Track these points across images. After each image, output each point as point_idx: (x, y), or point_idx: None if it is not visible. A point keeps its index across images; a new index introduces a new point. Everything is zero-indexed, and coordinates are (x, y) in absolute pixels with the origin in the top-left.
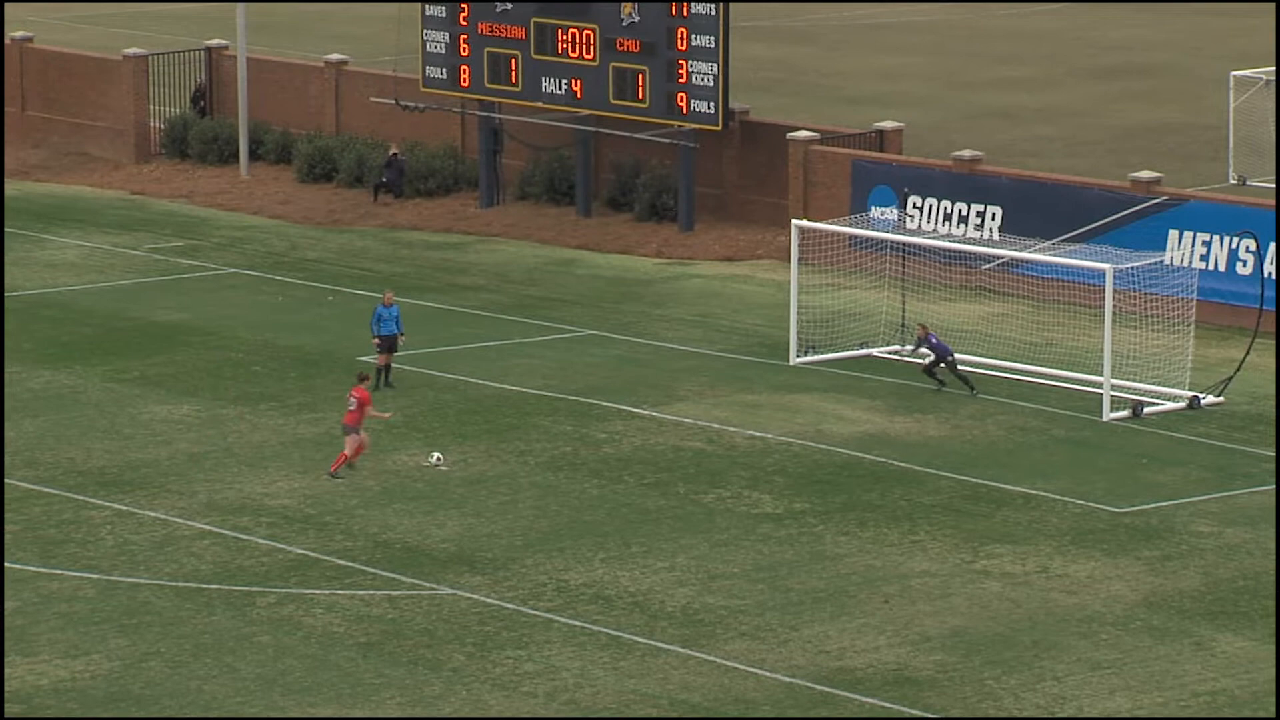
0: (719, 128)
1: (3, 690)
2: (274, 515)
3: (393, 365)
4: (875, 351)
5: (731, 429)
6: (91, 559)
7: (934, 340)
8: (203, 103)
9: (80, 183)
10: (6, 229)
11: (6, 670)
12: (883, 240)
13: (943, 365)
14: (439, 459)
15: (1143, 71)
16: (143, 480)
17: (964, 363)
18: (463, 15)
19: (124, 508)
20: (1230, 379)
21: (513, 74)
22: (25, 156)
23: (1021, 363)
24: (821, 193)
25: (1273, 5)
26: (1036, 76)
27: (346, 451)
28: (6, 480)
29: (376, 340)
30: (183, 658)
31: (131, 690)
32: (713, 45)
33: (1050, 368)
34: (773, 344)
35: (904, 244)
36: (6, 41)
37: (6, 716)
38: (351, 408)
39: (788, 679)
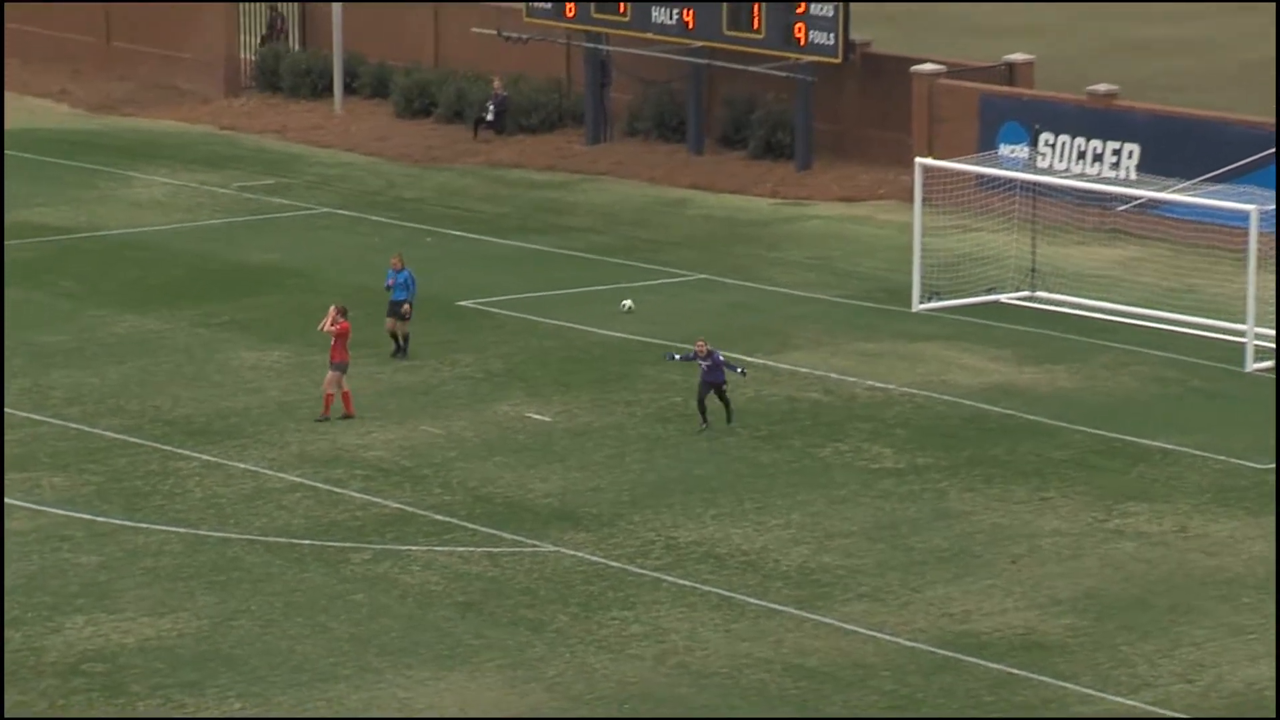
0: (839, 60)
1: (2, 691)
2: (369, 467)
3: (409, 335)
4: (1003, 298)
5: (850, 379)
6: (179, 512)
7: (717, 358)
8: (276, 41)
9: (167, 117)
10: (90, 165)
11: (91, 627)
12: (1012, 180)
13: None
14: (629, 305)
15: None
16: (232, 430)
17: (1096, 309)
18: None
19: (212, 459)
20: None
21: (620, 3)
22: (110, 90)
23: (1159, 310)
24: (947, 129)
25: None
26: (1176, 7)
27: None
28: (91, 429)
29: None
30: (273, 616)
31: (220, 649)
32: None
33: (1190, 315)
34: (894, 289)
35: (1035, 184)
36: None
37: (84, 671)
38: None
39: (909, 643)
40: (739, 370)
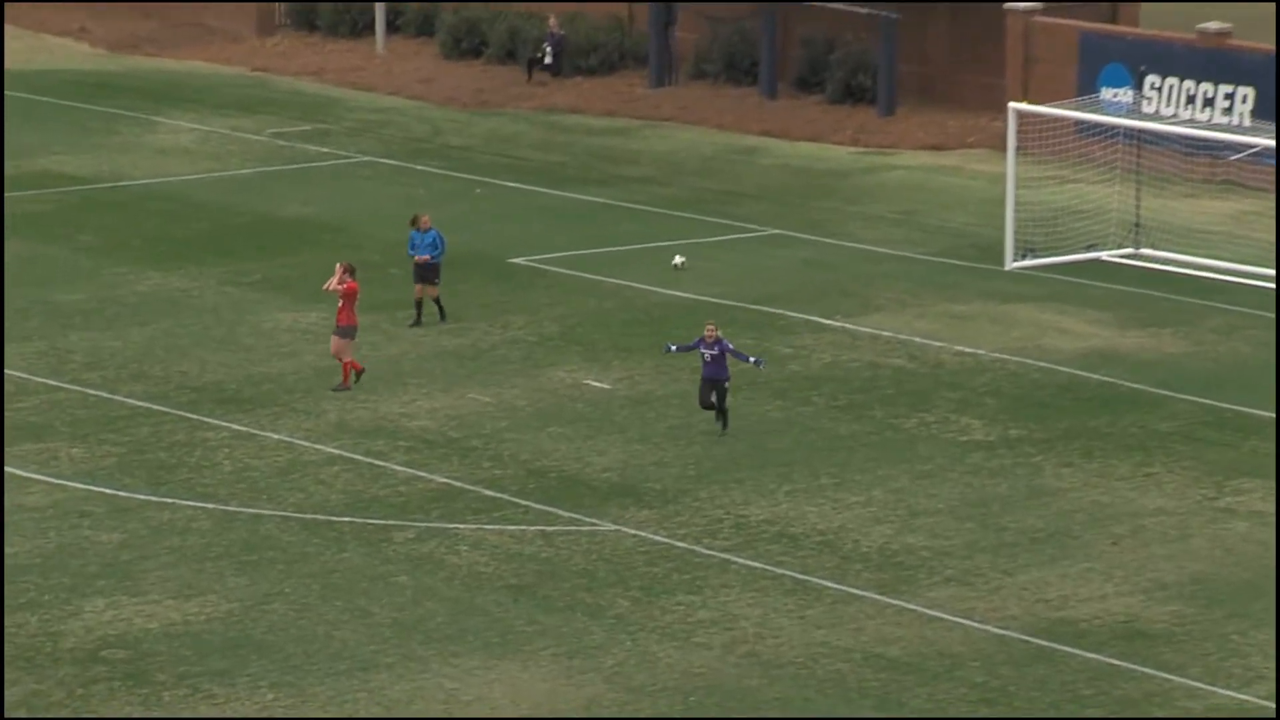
0: None
1: (2, 689)
2: (413, 439)
3: (440, 298)
4: (1105, 255)
5: (937, 344)
6: (207, 486)
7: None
8: None
9: (195, 57)
10: (112, 109)
11: (113, 610)
12: (1115, 126)
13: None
14: (679, 262)
15: None
16: (264, 398)
17: (1206, 268)
18: None
19: (243, 429)
20: None
21: None
22: (134, 28)
23: (1274, 269)
24: (1044, 71)
25: None
26: None
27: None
28: (112, 396)
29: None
30: (310, 600)
31: (252, 635)
32: None
33: None
34: (985, 246)
35: (1139, 131)
36: None
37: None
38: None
39: (1000, 631)
40: (751, 360)
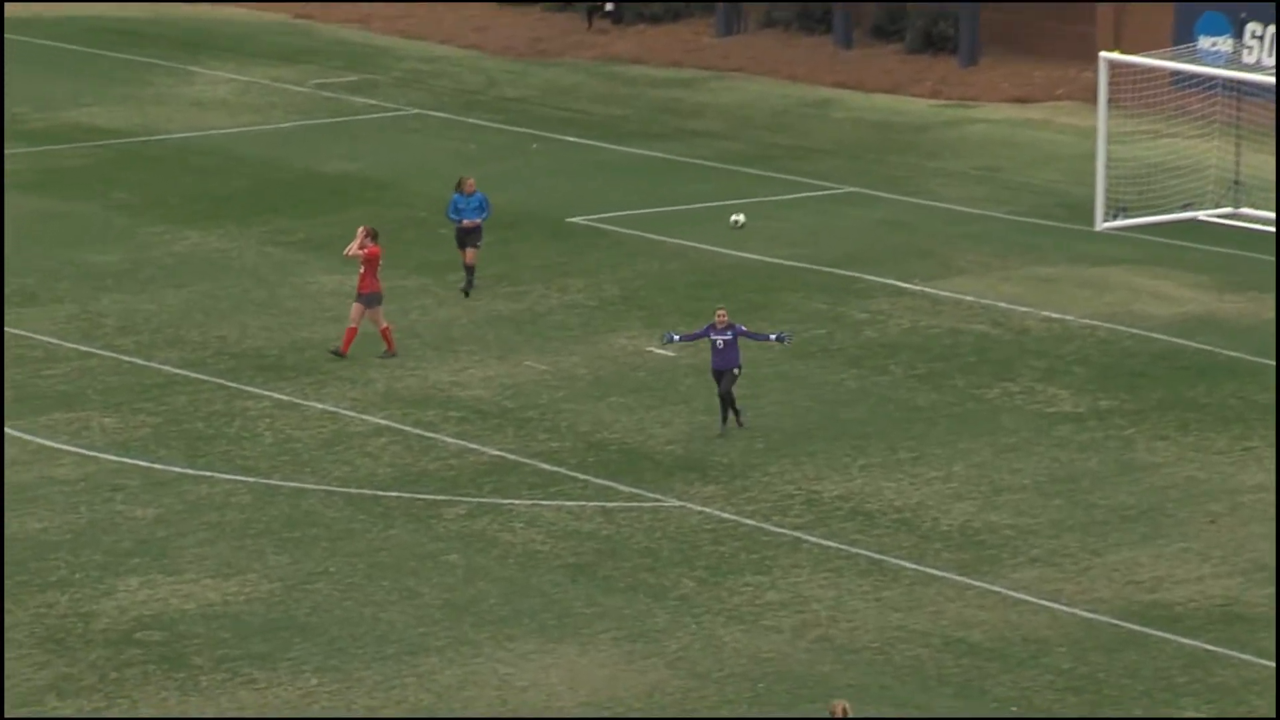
0: None
1: (2, 687)
2: (465, 409)
3: (475, 269)
4: (1202, 215)
5: (1022, 309)
6: (247, 459)
7: (740, 330)
8: None
9: (234, 3)
10: (146, 59)
11: (148, 589)
12: (1213, 78)
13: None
14: (738, 220)
15: None
16: (308, 365)
17: None
18: None
19: (285, 398)
20: None
21: None
22: None
23: None
24: (1137, 19)
25: None
26: None
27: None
28: (147, 363)
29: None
30: (355, 579)
31: (295, 616)
32: None
33: None
34: (1074, 205)
35: (1239, 82)
36: None
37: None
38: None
39: (1089, 614)
40: (773, 337)
